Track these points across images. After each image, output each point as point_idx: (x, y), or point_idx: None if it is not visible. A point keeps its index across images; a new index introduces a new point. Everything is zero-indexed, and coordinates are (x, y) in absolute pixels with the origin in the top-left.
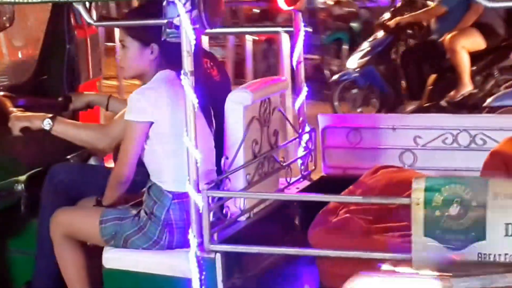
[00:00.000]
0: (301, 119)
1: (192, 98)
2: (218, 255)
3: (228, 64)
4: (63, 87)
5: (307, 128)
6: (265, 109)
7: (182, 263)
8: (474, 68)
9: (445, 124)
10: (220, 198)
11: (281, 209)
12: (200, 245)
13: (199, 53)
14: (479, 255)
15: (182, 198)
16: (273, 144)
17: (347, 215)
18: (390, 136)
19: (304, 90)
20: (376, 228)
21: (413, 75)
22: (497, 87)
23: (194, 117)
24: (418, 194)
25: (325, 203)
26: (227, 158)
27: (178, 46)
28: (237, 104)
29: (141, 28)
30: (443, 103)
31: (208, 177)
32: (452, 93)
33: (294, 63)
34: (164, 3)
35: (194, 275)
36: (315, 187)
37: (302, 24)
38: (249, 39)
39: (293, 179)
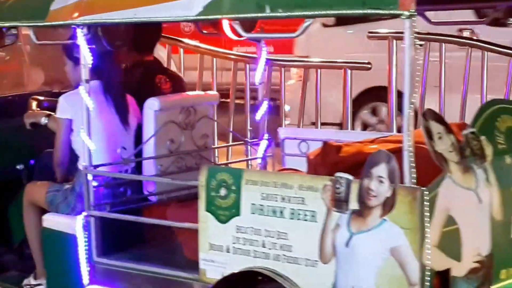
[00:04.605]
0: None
1: (86, 101)
2: (92, 219)
3: None
4: None
5: (265, 136)
6: (187, 115)
7: None
8: None
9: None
10: (115, 179)
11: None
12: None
13: (148, 69)
14: (237, 228)
15: None
16: (201, 146)
17: None
18: None
19: (265, 105)
20: None
21: None
22: None
23: (88, 116)
24: (202, 178)
25: None
26: (124, 148)
27: (102, 62)
28: (149, 109)
29: (73, 50)
30: None
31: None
32: None
33: (257, 83)
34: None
35: (78, 233)
36: None
37: (264, 50)
38: None
39: None
